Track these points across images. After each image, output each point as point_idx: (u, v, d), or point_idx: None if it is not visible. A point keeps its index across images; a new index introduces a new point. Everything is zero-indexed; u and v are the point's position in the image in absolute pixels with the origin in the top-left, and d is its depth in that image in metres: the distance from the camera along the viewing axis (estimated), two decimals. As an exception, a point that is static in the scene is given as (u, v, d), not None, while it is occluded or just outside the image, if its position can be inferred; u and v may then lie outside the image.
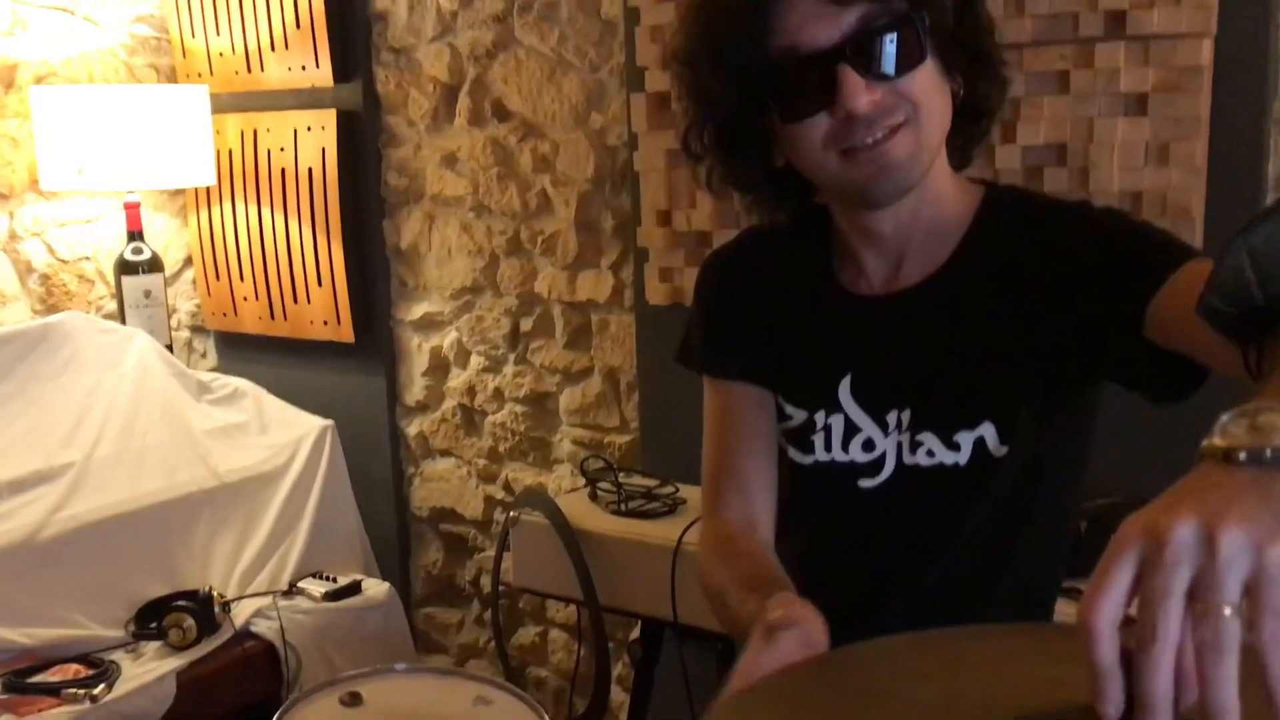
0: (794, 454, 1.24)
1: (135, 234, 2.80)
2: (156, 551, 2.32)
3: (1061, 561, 1.26)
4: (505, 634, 2.82)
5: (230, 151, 2.94)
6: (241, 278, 3.00)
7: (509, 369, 2.77)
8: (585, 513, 2.24)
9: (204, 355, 3.18)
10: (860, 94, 1.04)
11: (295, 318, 2.94)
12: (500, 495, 2.85)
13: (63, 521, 2.22)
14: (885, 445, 1.18)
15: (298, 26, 2.77)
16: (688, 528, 2.02)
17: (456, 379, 2.85)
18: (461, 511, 2.92)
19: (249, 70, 2.88)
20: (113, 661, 2.11)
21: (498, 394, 2.79)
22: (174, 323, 3.05)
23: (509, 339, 2.75)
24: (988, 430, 1.14)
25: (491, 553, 2.69)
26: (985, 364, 1.14)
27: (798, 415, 1.23)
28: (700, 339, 1.31)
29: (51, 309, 2.81)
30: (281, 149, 2.87)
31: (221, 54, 2.91)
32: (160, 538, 2.34)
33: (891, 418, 1.18)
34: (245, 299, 3.01)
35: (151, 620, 2.20)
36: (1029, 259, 1.13)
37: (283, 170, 2.87)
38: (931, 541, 1.18)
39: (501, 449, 2.82)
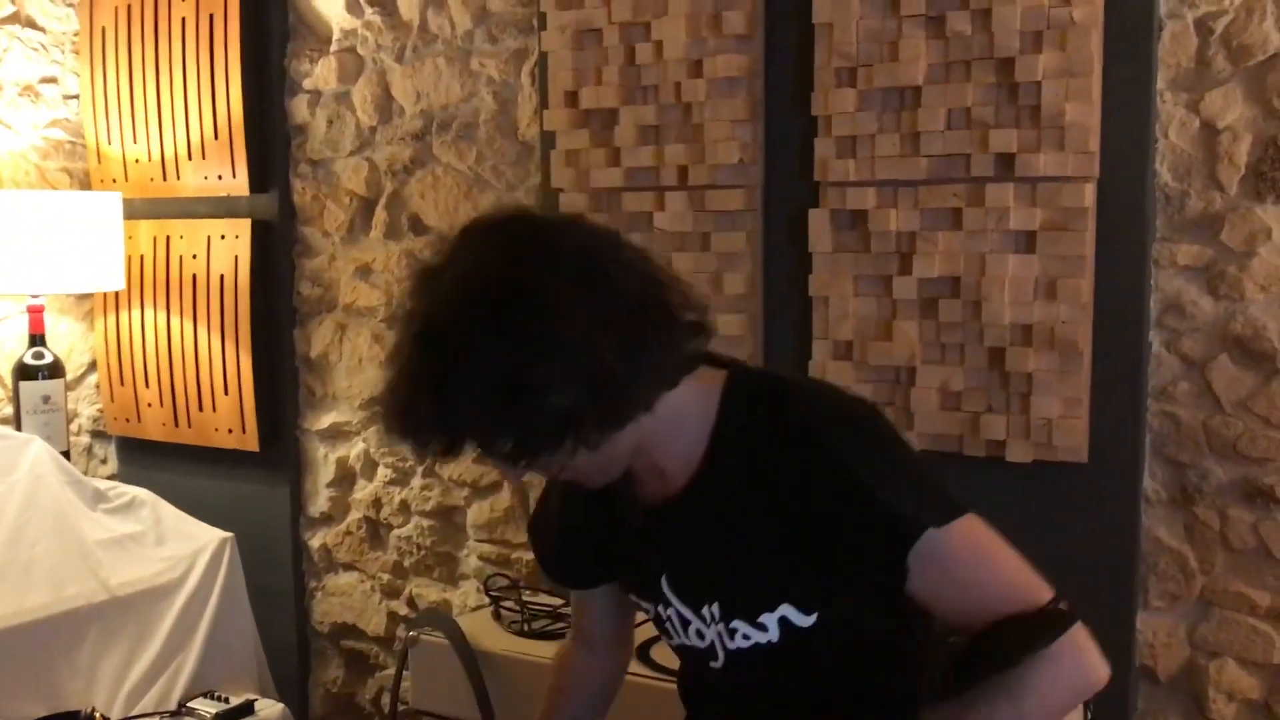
0: (664, 638, 1.39)
1: (37, 338, 2.76)
2: (38, 670, 2.23)
3: (916, 698, 1.29)
4: (404, 755, 2.75)
5: (141, 257, 2.92)
6: (147, 384, 2.95)
7: (416, 481, 2.75)
8: (488, 632, 2.21)
9: (104, 461, 3.11)
10: (510, 474, 1.21)
11: (200, 425, 2.89)
12: (404, 611, 2.80)
13: (-62, 637, 2.13)
14: (710, 634, 1.29)
15: (216, 136, 2.78)
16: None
17: (363, 490, 2.82)
18: (363, 627, 2.86)
19: (164, 177, 2.88)
20: (-16, 787, 2.01)
21: (404, 507, 2.77)
22: (75, 427, 2.98)
23: (417, 457, 2.73)
24: (787, 609, 1.23)
25: (393, 670, 2.63)
26: (759, 555, 1.22)
27: (647, 607, 1.36)
28: (555, 573, 1.50)
29: (-56, 412, 2.74)
30: (194, 256, 2.85)
31: (137, 160, 2.91)
32: (44, 655, 2.25)
33: (705, 611, 1.28)
34: (149, 405, 2.96)
35: (28, 742, 2.11)
36: (761, 490, 1.20)
37: (194, 277, 2.85)
38: (781, 706, 1.31)
39: (406, 563, 2.78)
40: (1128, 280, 1.94)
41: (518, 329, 1.09)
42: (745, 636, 1.26)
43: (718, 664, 1.31)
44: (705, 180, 2.20)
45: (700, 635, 1.31)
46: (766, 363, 2.21)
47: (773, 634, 1.24)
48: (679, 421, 1.22)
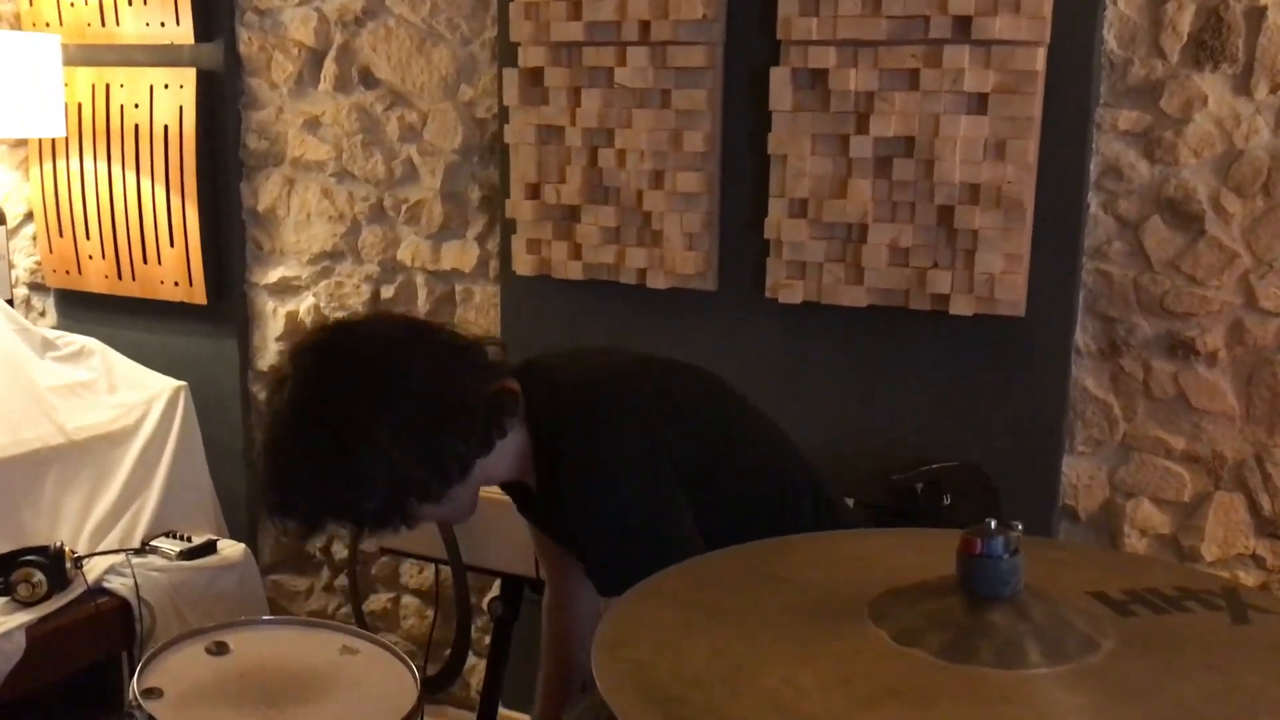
0: None
1: (-25, 184, 2.70)
2: (2, 509, 2.25)
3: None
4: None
5: (80, 105, 2.85)
6: (88, 236, 2.91)
7: (368, 336, 2.78)
8: (448, 475, 2.28)
9: (43, 314, 3.08)
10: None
11: (145, 278, 2.88)
12: (355, 462, 2.85)
13: (-102, 476, 2.14)
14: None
15: (158, -21, 2.71)
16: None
17: (313, 345, 2.84)
18: (314, 478, 2.91)
19: (103, 24, 2.80)
20: (-45, 618, 2.05)
21: (356, 361, 2.80)
22: (12, 278, 2.94)
23: (369, 306, 2.76)
24: None
25: (346, 518, 2.70)
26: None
27: None
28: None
29: (-121, 258, 2.68)
30: (136, 105, 2.80)
31: (73, 4, 2.83)
32: (4, 494, 2.27)
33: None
34: (90, 257, 2.93)
35: (-3, 577, 2.15)
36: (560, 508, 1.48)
37: (136, 127, 2.81)
38: None
39: (358, 416, 2.82)
40: (1071, 143, 2.04)
41: (331, 453, 1.36)
42: None
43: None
44: (667, 36, 2.23)
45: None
46: (724, 221, 2.28)
47: None
48: (508, 464, 1.49)
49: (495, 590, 2.32)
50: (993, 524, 0.71)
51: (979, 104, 2.04)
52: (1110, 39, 2.02)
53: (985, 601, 0.69)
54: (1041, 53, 1.99)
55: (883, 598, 0.72)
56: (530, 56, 2.36)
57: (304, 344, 1.46)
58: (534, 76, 2.37)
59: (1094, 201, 2.07)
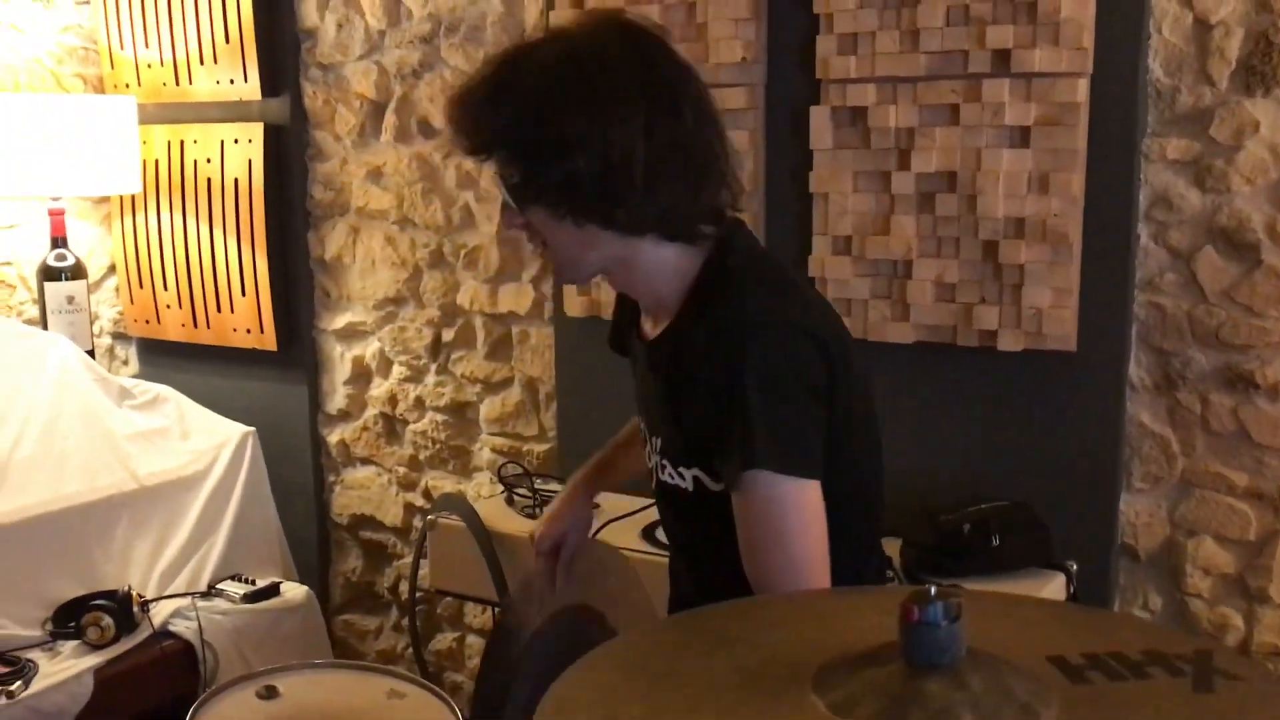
0: None
1: (59, 240, 2.83)
2: (75, 553, 2.35)
3: None
4: (423, 640, 2.88)
5: (156, 161, 2.98)
6: (165, 286, 3.03)
7: (430, 378, 2.84)
8: (501, 516, 2.31)
9: (125, 362, 3.20)
10: (504, 215, 1.39)
11: (218, 326, 2.98)
12: (420, 503, 2.91)
13: (-20, 522, 2.24)
14: (653, 461, 1.46)
15: (227, 41, 2.82)
16: (599, 529, 2.11)
17: (378, 388, 2.92)
18: (381, 519, 2.97)
19: (177, 82, 2.92)
20: (29, 660, 2.14)
21: (419, 403, 2.86)
22: (96, 329, 3.07)
23: (431, 349, 2.82)
24: (699, 472, 1.36)
25: (410, 559, 2.75)
26: (687, 417, 1.36)
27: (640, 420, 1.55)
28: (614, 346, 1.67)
29: (-29, 313, 2.83)
30: (208, 160, 2.91)
31: (150, 65, 2.96)
32: (79, 539, 2.36)
33: (652, 440, 1.46)
34: (168, 307, 3.05)
35: (69, 620, 2.23)
36: (702, 364, 1.32)
37: (209, 181, 2.92)
38: (682, 549, 1.55)
39: (422, 457, 2.88)
40: (1118, 174, 1.99)
41: (584, 95, 1.27)
42: (669, 476, 1.42)
43: (654, 483, 1.48)
44: (708, 79, 2.19)
45: (649, 458, 1.48)
46: (768, 258, 2.28)
47: (688, 484, 1.39)
48: (659, 270, 1.37)
49: (548, 632, 2.34)
50: (932, 590, 0.70)
51: (1021, 137, 2.01)
52: (1156, 67, 1.98)
53: (923, 670, 0.68)
54: (1083, 84, 1.96)
55: (830, 663, 0.71)
56: (576, 103, 2.39)
57: (617, 17, 1.37)
58: (580, 122, 2.40)
59: (1144, 232, 2.02)
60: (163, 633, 2.28)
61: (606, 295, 2.42)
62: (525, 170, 1.31)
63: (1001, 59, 1.99)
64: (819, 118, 2.16)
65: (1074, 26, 1.93)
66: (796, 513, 1.26)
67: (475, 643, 2.88)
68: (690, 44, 2.25)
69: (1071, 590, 2.02)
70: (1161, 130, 1.99)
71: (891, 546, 2.06)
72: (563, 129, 1.27)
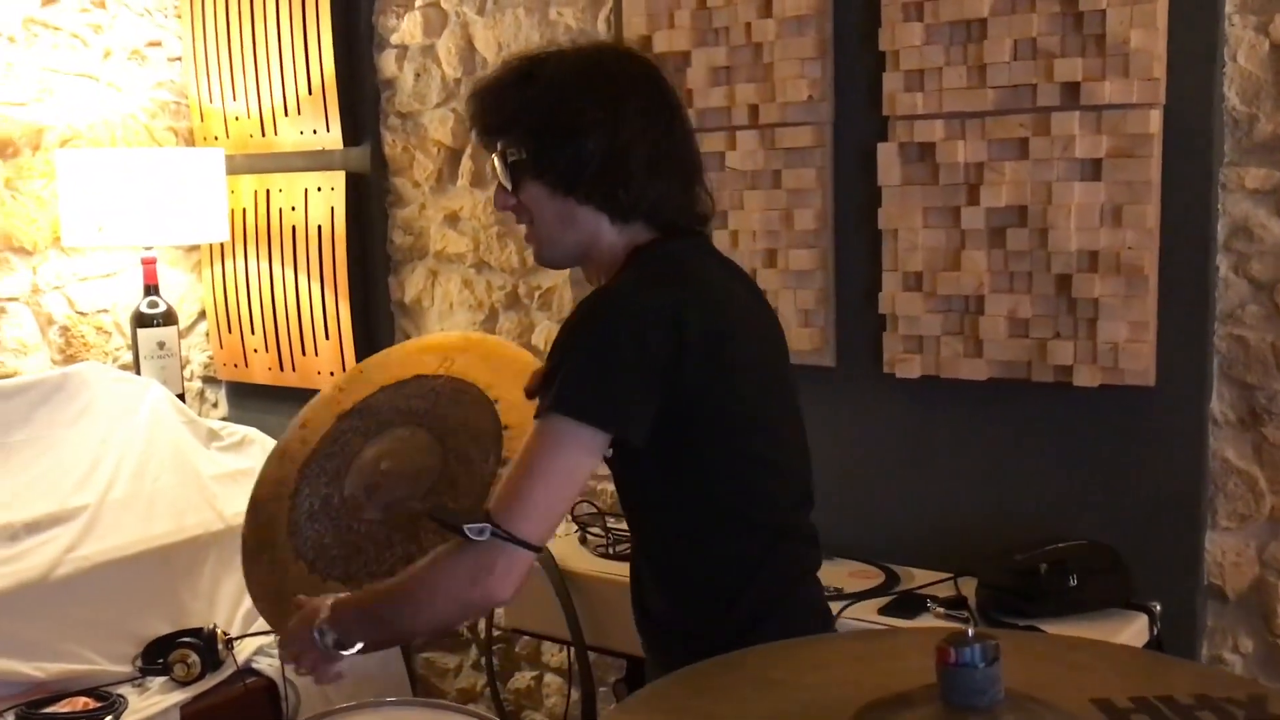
0: None
1: (151, 288, 2.94)
2: (164, 591, 2.42)
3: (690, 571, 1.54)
4: (501, 678, 2.90)
5: (244, 210, 3.08)
6: (252, 330, 3.12)
7: (506, 419, 2.87)
8: (574, 555, 2.33)
9: (215, 405, 3.30)
10: (497, 196, 1.52)
11: (303, 368, 3.06)
12: (497, 541, 2.93)
13: (75, 561, 2.32)
14: None
15: (310, 93, 2.92)
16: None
17: (456, 428, 2.96)
18: (460, 557, 3.00)
19: (263, 134, 3.03)
20: (120, 695, 2.20)
21: (495, 443, 2.90)
22: (187, 373, 3.17)
23: (507, 390, 2.86)
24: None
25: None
26: None
27: None
28: None
29: (70, 359, 2.94)
30: (293, 208, 3.00)
31: (237, 118, 3.06)
32: (168, 578, 2.43)
33: None
34: (255, 351, 3.14)
35: (158, 657, 2.29)
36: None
37: (293, 228, 3.01)
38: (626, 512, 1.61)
39: (499, 496, 2.91)
40: (1194, 205, 1.95)
41: (600, 90, 1.44)
42: None
43: None
44: (775, 118, 2.26)
45: None
46: (839, 296, 2.27)
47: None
48: (612, 258, 1.49)
49: (622, 672, 2.35)
50: (970, 632, 0.69)
51: (1092, 170, 1.98)
52: (1232, 95, 1.94)
53: (961, 712, 0.68)
54: (1156, 115, 1.93)
55: (869, 705, 0.71)
56: (646, 145, 2.42)
57: (625, 49, 1.58)
58: (650, 164, 2.43)
59: (1224, 264, 1.98)
60: (246, 670, 2.33)
61: (678, 334, 2.44)
62: (536, 148, 1.45)
63: (1071, 92, 1.97)
64: (887, 154, 2.16)
65: (1144, 57, 1.91)
66: (555, 449, 1.36)
67: (553, 681, 2.89)
68: (757, 83, 2.27)
69: (1155, 632, 1.96)
70: (1239, 159, 1.95)
71: (967, 586, 2.04)
72: (579, 112, 1.43)
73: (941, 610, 1.97)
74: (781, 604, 1.52)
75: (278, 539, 1.97)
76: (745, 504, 1.50)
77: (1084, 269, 2.00)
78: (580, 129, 1.43)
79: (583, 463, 1.37)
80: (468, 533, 1.34)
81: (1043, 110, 2.00)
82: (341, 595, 1.55)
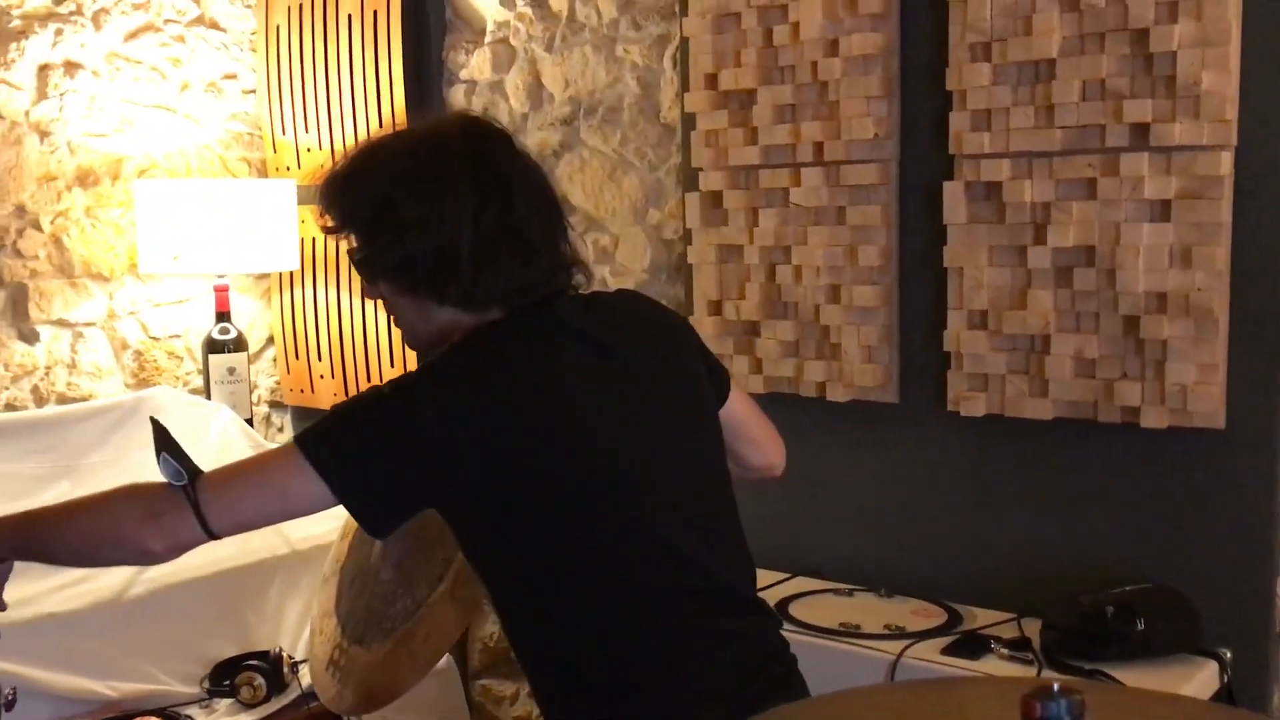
0: None
1: (223, 315, 3.00)
2: (231, 614, 2.46)
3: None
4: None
5: (314, 239, 3.14)
6: (319, 357, 3.18)
7: (567, 449, 2.89)
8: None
9: (281, 430, 3.36)
10: (362, 287, 1.53)
11: (367, 396, 3.10)
12: (556, 570, 2.95)
13: (146, 583, 2.37)
14: None
15: (380, 125, 2.98)
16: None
17: (517, 457, 2.99)
18: (518, 585, 3.02)
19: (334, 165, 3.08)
20: (188, 716, 2.24)
21: (556, 472, 2.92)
22: (254, 398, 3.23)
23: (568, 420, 2.88)
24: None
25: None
26: None
27: None
28: None
29: (143, 383, 3.01)
30: (360, 238, 3.05)
31: (309, 149, 3.13)
32: (235, 601, 2.48)
33: None
34: (322, 377, 3.19)
35: (225, 678, 2.33)
36: None
37: (361, 257, 3.06)
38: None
39: (558, 525, 2.93)
40: (1267, 246, 1.94)
41: (420, 184, 1.42)
42: None
43: None
44: (840, 156, 2.27)
45: None
46: (902, 333, 2.28)
47: None
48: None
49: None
50: (1055, 686, 0.69)
51: (1161, 211, 1.97)
52: (1305, 137, 1.92)
53: (1046, 767, 0.68)
54: (1227, 157, 1.92)
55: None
56: (710, 181, 2.45)
57: (468, 116, 1.54)
58: (714, 199, 2.46)
59: (1296, 307, 1.96)
60: (310, 693, 2.36)
61: (738, 367, 2.45)
62: (370, 248, 1.47)
63: (1140, 133, 1.97)
64: (953, 193, 2.16)
65: (1216, 99, 1.90)
66: (283, 469, 1.36)
67: (609, 712, 2.89)
68: (823, 121, 2.29)
69: (1225, 679, 1.94)
70: (1313, 202, 1.93)
71: (1031, 628, 2.03)
72: (398, 213, 1.42)
73: (1006, 651, 1.96)
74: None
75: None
76: (590, 605, 1.43)
77: (1152, 310, 1.99)
78: (402, 230, 1.42)
79: (297, 497, 1.36)
80: (161, 466, 1.35)
81: (1111, 151, 2.00)
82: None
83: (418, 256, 1.41)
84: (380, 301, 1.52)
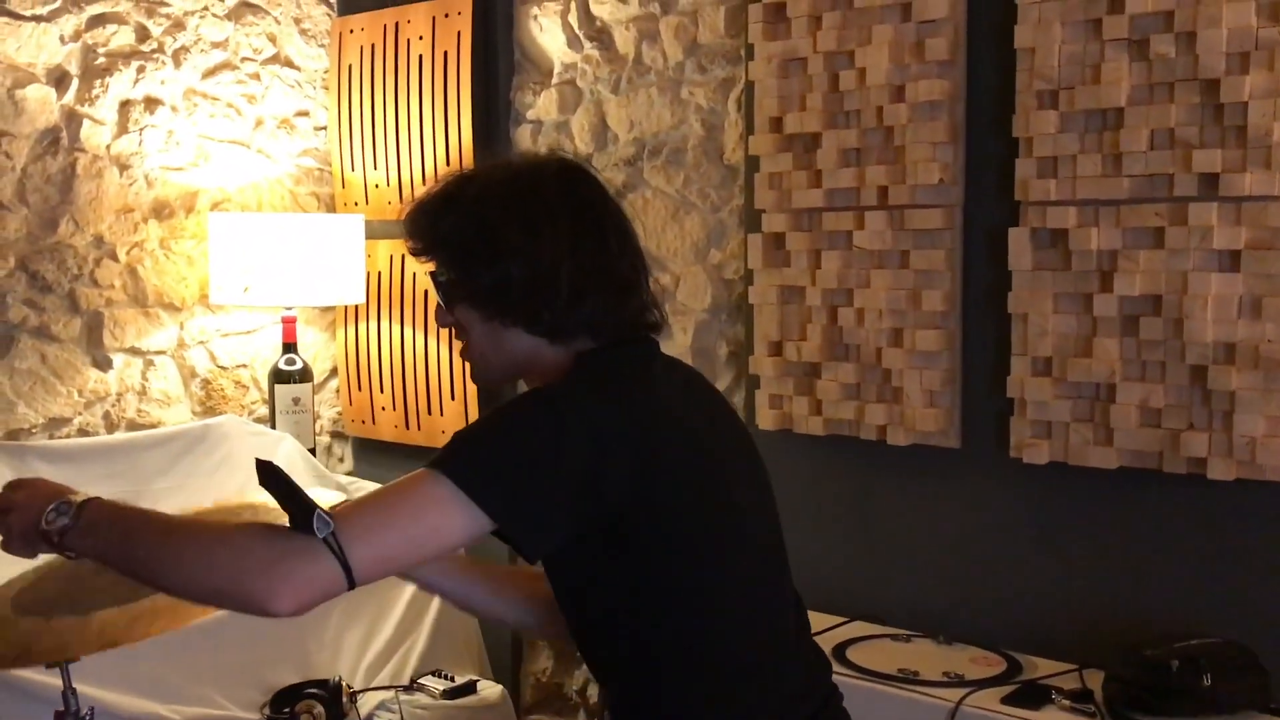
0: None
1: (290, 346, 3.06)
2: (291, 641, 2.50)
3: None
4: (608, 743, 2.91)
5: (380, 273, 3.20)
6: (381, 389, 3.23)
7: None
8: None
9: (341, 460, 3.41)
10: (437, 313, 1.51)
11: (429, 428, 3.14)
12: (610, 607, 2.96)
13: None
14: None
15: (448, 163, 3.03)
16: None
17: (574, 493, 3.00)
18: (572, 621, 3.03)
19: (401, 201, 3.15)
20: (247, 742, 2.28)
21: (612, 509, 2.93)
22: (316, 428, 3.28)
23: (625, 457, 2.90)
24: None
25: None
26: None
27: None
28: None
29: (209, 411, 3.07)
30: (427, 273, 3.10)
31: (377, 185, 3.20)
32: (296, 629, 2.51)
33: None
34: (383, 408, 3.24)
35: (285, 705, 2.36)
36: None
37: (425, 293, 3.11)
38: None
39: (613, 562, 2.94)
40: (1339, 299, 1.92)
41: (522, 213, 1.41)
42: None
43: None
44: (905, 200, 2.28)
45: None
46: (964, 378, 2.27)
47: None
48: (556, 373, 1.42)
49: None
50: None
51: (1231, 261, 1.96)
52: (1379, 189, 1.91)
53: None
54: (1299, 207, 1.91)
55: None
56: (773, 223, 2.47)
57: (566, 159, 1.53)
58: (777, 241, 2.47)
59: (1369, 360, 1.93)
60: (368, 723, 2.39)
61: (798, 409, 2.46)
62: (462, 272, 1.44)
63: (1209, 182, 1.96)
64: (1018, 239, 2.16)
65: (1288, 150, 1.89)
66: (427, 503, 1.27)
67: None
68: (888, 165, 2.30)
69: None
70: (1387, 254, 1.91)
71: (1093, 679, 2.00)
72: (498, 239, 1.41)
73: (1067, 703, 1.94)
74: None
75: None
76: (685, 639, 1.40)
77: (1220, 360, 1.97)
78: (500, 255, 1.40)
79: (448, 530, 1.28)
80: (314, 519, 1.20)
81: (1179, 200, 1.99)
82: (104, 497, 1.37)
83: (515, 282, 1.39)
84: (451, 330, 1.50)
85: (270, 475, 1.27)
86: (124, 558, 1.32)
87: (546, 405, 1.34)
